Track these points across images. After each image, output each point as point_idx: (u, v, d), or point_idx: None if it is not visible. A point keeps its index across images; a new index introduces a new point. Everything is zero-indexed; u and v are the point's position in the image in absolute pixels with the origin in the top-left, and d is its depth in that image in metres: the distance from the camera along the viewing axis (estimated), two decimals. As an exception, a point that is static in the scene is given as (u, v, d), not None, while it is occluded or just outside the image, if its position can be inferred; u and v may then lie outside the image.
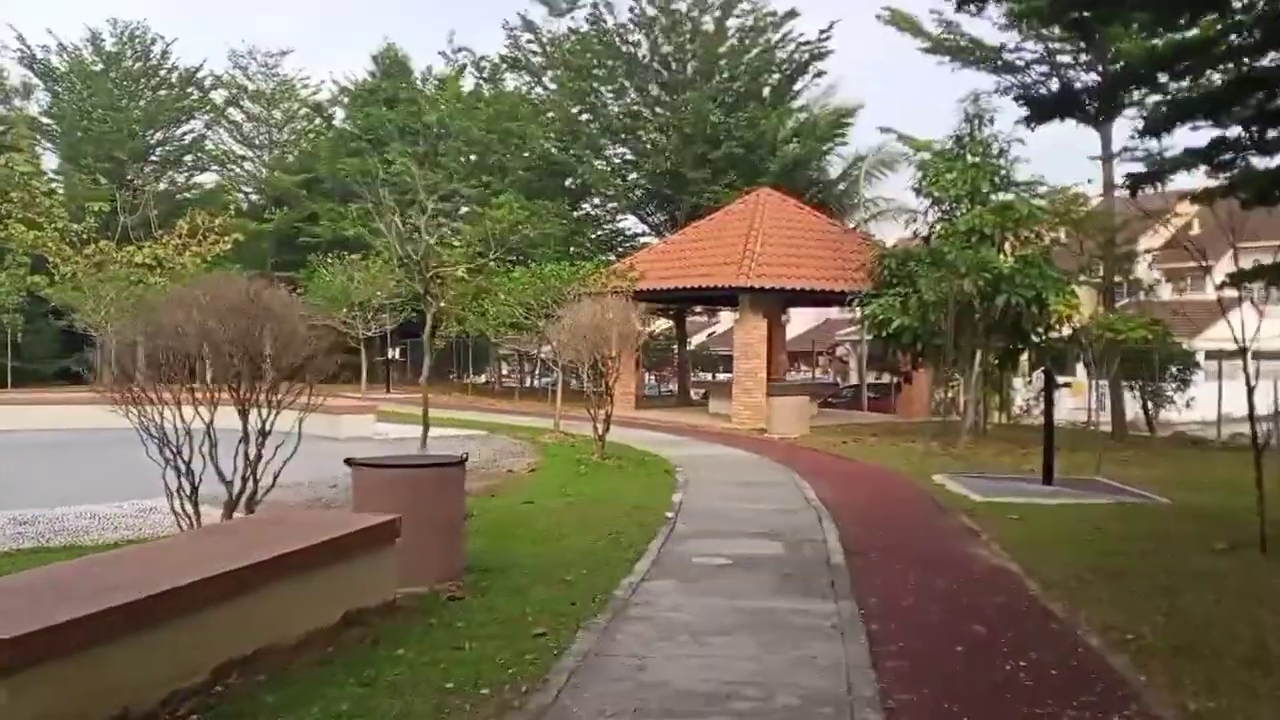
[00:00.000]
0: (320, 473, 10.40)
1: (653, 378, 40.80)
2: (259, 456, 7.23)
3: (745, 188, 26.39)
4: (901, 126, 24.21)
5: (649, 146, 30.42)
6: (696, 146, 28.98)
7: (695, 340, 52.21)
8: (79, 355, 23.63)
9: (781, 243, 21.97)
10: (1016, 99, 17.78)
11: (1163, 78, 10.34)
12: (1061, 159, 57.34)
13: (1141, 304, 21.31)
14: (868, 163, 31.16)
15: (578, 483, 12.16)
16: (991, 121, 17.99)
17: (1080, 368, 22.32)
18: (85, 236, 23.73)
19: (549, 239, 26.95)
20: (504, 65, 34.30)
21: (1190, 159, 9.66)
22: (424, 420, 10.31)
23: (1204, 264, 7.98)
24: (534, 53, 32.29)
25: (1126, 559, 8.00)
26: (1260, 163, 9.59)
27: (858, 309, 19.06)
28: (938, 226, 17.89)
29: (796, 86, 31.43)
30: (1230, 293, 9.04)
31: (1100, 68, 19.05)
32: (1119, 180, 19.07)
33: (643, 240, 31.53)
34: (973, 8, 9.61)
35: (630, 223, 34.34)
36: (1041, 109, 12.12)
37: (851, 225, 27.42)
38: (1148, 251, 21.67)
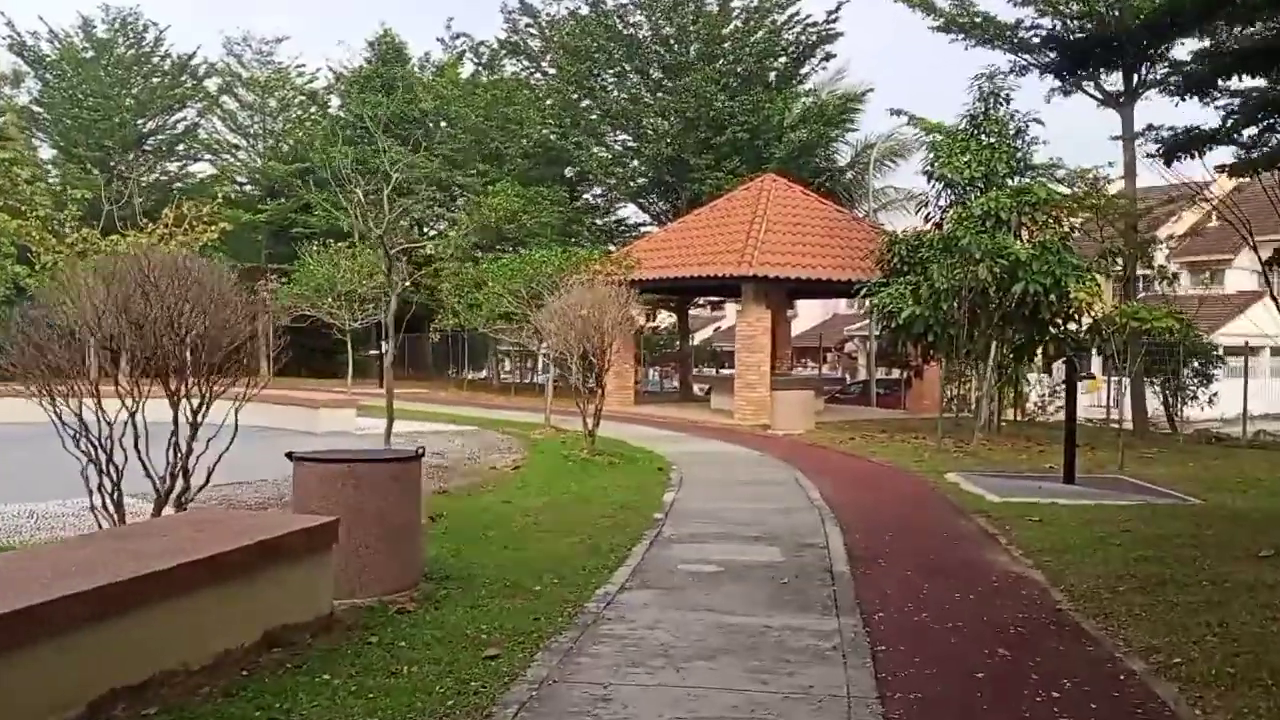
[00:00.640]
0: (289, 468, 9.61)
1: (656, 373, 40.05)
2: (189, 450, 6.44)
3: (750, 175, 25.53)
4: (912, 112, 23.16)
5: (650, 132, 29.53)
6: (699, 131, 28.11)
7: (701, 335, 51.44)
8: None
9: (787, 230, 21.14)
10: (1045, 42, 16.63)
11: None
12: (1078, 146, 56.55)
13: (1164, 297, 20.36)
14: (877, 150, 30.29)
15: (563, 481, 11.36)
16: (1008, 101, 17.12)
17: (1096, 363, 21.44)
18: (68, 225, 23.08)
19: (546, 228, 26.12)
20: (503, 51, 33.46)
21: (1241, 117, 8.76)
22: (388, 413, 9.51)
23: (1250, 240, 7.14)
24: (532, 35, 31.43)
25: (1162, 566, 7.17)
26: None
27: (866, 299, 18.16)
28: (950, 211, 17.00)
29: (803, 70, 30.53)
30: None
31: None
32: (1141, 162, 18.22)
33: (644, 230, 30.66)
34: None
35: (631, 212, 33.52)
36: (1075, 56, 11.09)
37: (861, 215, 26.56)
38: (1170, 238, 20.71)
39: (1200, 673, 4.87)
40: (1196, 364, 19.46)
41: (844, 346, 47.81)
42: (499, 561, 7.09)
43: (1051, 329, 16.68)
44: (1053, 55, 12.44)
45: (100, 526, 6.34)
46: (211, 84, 40.10)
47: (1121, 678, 4.84)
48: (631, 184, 30.54)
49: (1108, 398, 22.64)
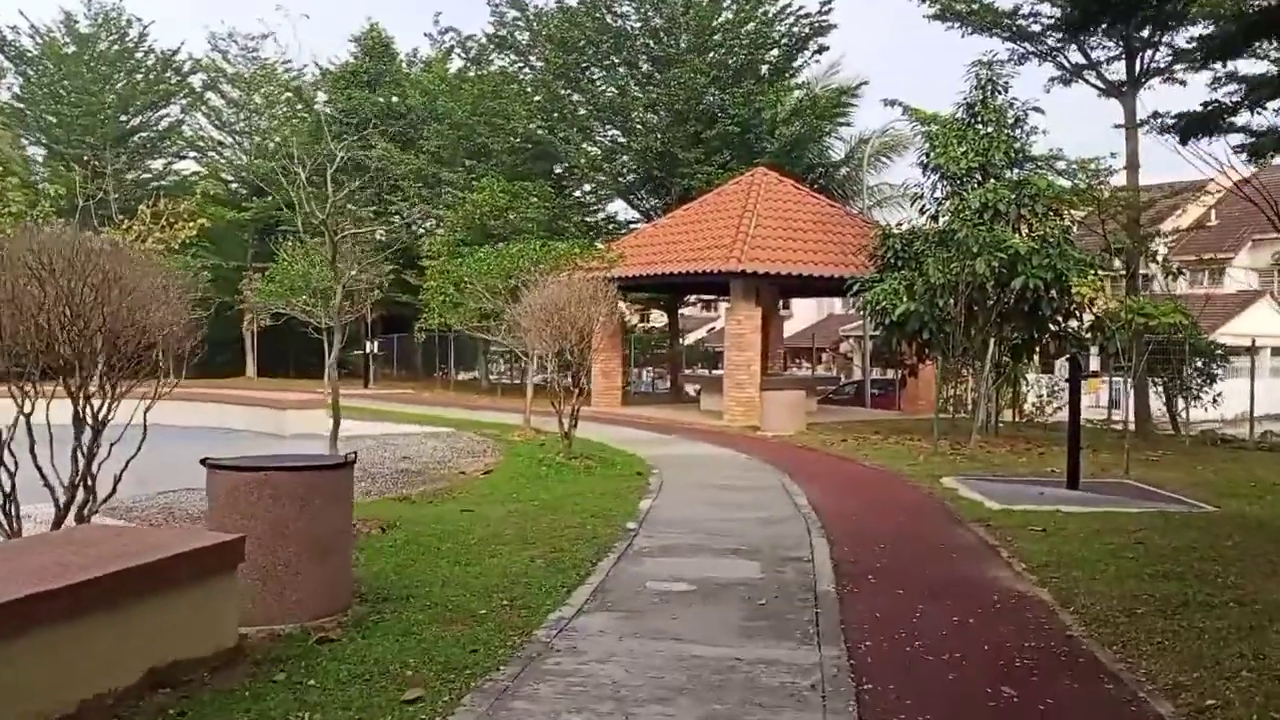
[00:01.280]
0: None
1: (647, 373, 39.30)
2: (92, 456, 5.73)
3: (741, 169, 24.80)
4: (907, 103, 22.32)
5: (639, 126, 28.75)
6: (689, 125, 27.36)
7: (695, 335, 50.63)
8: None
9: (778, 225, 20.43)
10: None
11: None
12: (1077, 139, 55.89)
13: (1166, 295, 19.64)
14: (872, 145, 29.59)
15: (533, 486, 10.65)
16: (1006, 89, 16.42)
17: (1096, 361, 20.73)
18: (40, 222, 22.36)
19: (532, 223, 25.34)
20: (491, 46, 32.68)
21: (1267, 90, 8.07)
22: (334, 413, 8.77)
23: (1274, 218, 6.45)
24: (520, 27, 30.64)
25: (1183, 584, 6.47)
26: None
27: (859, 296, 17.43)
28: (947, 203, 16.29)
29: (796, 63, 29.73)
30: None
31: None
32: (1145, 152, 17.49)
33: (633, 227, 29.87)
34: None
35: (619, 207, 32.74)
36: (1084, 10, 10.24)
37: (855, 212, 25.84)
38: (1175, 232, 20.00)
39: (1239, 718, 4.18)
40: (1200, 363, 18.78)
41: (839, 346, 47.14)
42: (447, 579, 6.38)
43: (1052, 326, 15.99)
44: (1060, 10, 11.56)
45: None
46: (196, 80, 39.35)
47: (1148, 725, 4.16)
48: (620, 180, 29.79)
49: (1108, 397, 21.97)
